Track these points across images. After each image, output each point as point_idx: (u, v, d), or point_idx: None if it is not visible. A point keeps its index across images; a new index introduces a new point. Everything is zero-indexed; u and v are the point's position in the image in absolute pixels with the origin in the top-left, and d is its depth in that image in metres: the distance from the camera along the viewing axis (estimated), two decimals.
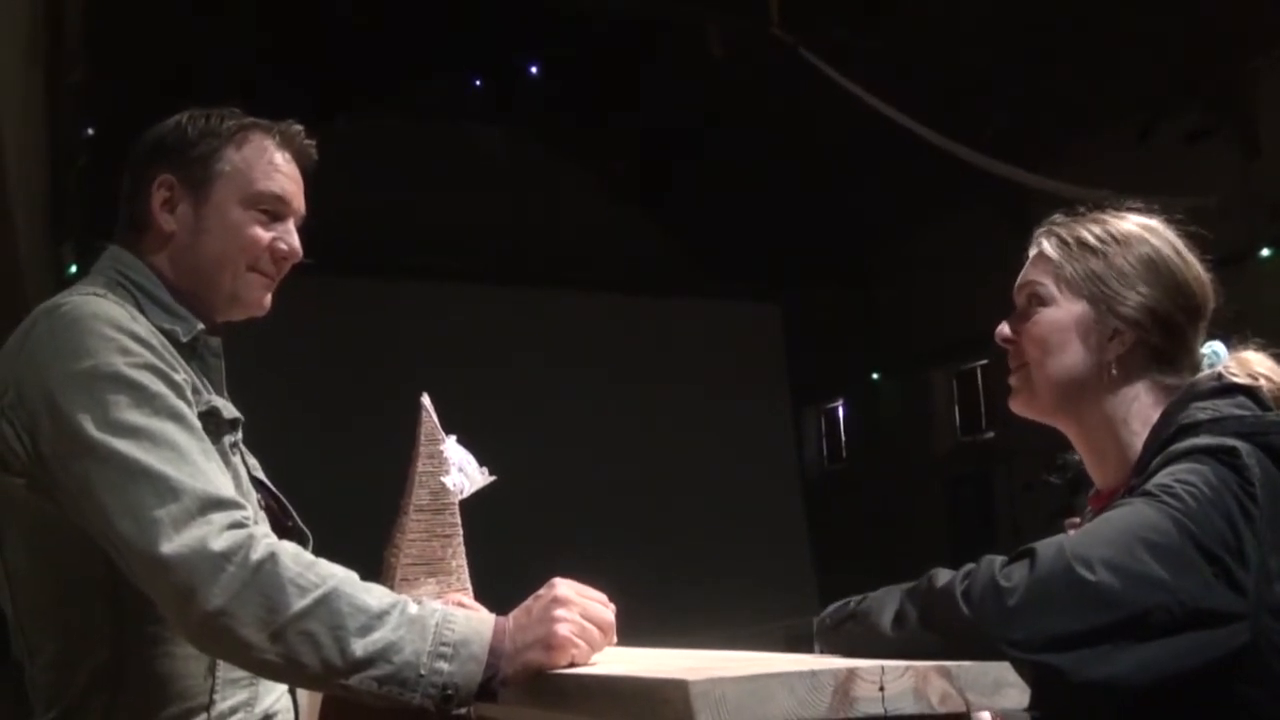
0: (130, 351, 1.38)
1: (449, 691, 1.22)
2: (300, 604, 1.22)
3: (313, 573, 1.25)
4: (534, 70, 13.71)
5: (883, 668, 1.02)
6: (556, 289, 13.31)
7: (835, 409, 15.79)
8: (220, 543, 1.24)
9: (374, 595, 1.26)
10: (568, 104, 13.41)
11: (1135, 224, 1.50)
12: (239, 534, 1.26)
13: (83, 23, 7.45)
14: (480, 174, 13.26)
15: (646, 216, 14.43)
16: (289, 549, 1.27)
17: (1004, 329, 1.54)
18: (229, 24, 10.30)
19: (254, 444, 1.62)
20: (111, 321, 1.40)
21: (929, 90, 9.66)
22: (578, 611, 1.26)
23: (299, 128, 1.62)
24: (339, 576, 1.26)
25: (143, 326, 1.43)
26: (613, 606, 1.31)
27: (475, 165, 13.34)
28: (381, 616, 1.23)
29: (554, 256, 13.25)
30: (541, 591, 1.29)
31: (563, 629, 1.24)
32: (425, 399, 1.80)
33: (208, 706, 1.43)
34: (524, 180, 13.51)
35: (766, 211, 13.22)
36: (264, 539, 1.27)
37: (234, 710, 1.45)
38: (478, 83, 14.02)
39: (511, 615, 1.28)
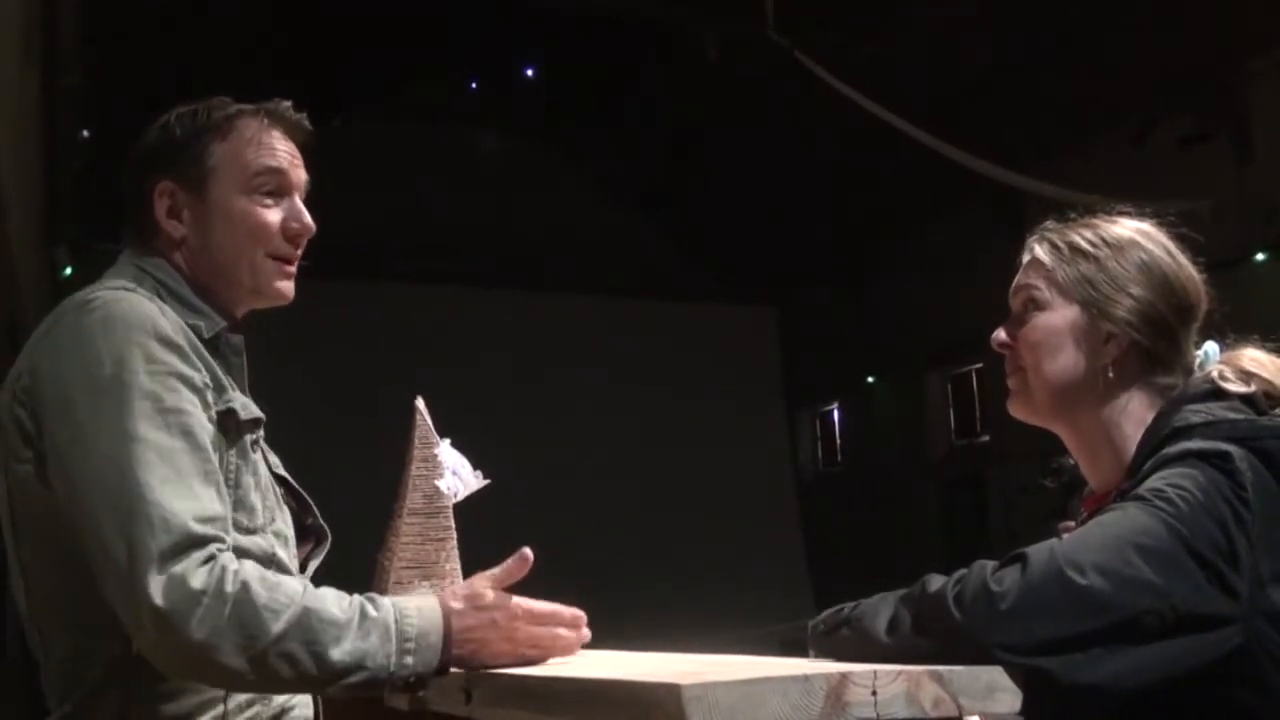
0: (154, 359, 1.38)
1: (412, 680, 1.31)
2: (276, 628, 1.26)
3: (280, 594, 1.29)
4: (532, 72, 13.71)
5: (875, 672, 1.02)
6: (553, 291, 13.32)
7: (830, 412, 15.78)
8: (197, 580, 1.26)
9: (336, 604, 1.31)
10: (565, 106, 13.41)
11: (1128, 228, 1.51)
12: (214, 569, 1.28)
13: (78, 25, 7.44)
14: (477, 176, 13.26)
15: (643, 219, 14.44)
16: (254, 573, 1.30)
17: (1000, 334, 1.55)
18: (226, 26, 10.29)
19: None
20: (140, 323, 1.39)
21: (923, 93, 9.67)
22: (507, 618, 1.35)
23: (287, 104, 1.62)
24: (300, 592, 1.30)
25: (170, 323, 1.43)
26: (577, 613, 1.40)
27: (472, 167, 13.34)
28: (348, 625, 1.29)
29: (551, 259, 13.26)
30: (476, 590, 1.37)
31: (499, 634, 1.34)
32: (419, 402, 1.79)
33: (224, 698, 1.44)
34: (521, 182, 13.51)
35: (762, 214, 13.23)
36: (232, 567, 1.29)
37: (250, 703, 1.46)
38: (475, 85, 14.03)
39: (447, 598, 1.35)
